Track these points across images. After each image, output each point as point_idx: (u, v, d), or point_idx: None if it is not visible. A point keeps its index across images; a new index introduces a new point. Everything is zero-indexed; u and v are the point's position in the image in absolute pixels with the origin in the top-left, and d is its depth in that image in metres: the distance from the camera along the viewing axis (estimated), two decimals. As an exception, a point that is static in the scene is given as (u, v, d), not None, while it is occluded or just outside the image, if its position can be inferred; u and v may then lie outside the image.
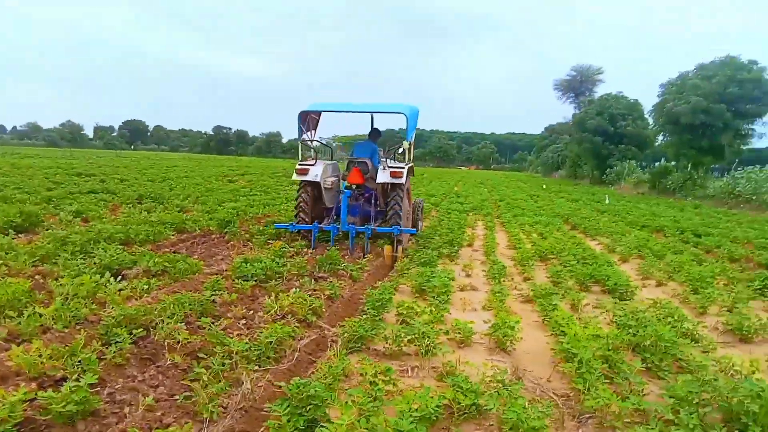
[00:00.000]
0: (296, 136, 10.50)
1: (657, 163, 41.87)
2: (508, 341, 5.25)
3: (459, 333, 5.37)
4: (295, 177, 10.18)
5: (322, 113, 10.88)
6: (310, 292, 6.49)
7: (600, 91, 65.87)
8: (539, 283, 7.65)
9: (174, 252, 8.98)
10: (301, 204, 10.31)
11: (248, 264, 7.14)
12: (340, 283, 7.17)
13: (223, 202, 16.47)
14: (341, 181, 11.00)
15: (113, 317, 4.76)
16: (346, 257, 9.07)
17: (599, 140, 48.32)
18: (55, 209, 11.98)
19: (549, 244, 10.75)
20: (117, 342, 4.35)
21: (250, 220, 12.22)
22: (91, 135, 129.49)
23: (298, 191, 10.43)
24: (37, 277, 6.39)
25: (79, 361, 3.89)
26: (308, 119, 10.59)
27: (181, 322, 5.03)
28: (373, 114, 11.33)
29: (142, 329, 4.68)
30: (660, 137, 38.93)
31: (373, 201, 10.59)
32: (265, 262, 7.27)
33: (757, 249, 11.78)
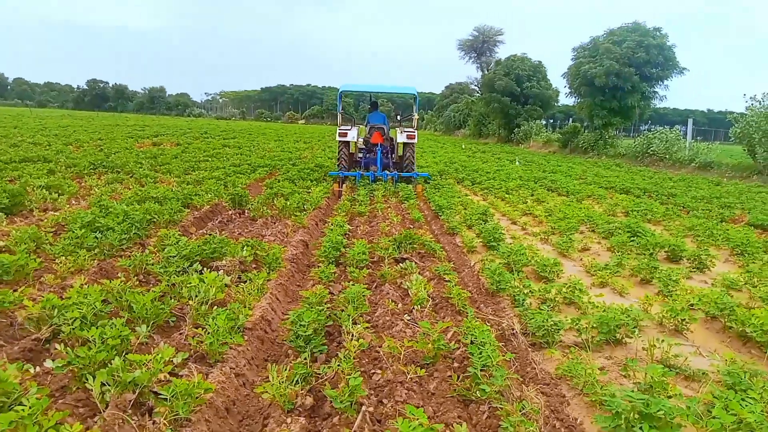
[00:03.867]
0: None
1: (566, 123, 44.09)
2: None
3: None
4: (338, 139, 14.65)
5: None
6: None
7: (501, 52, 67.93)
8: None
9: (210, 233, 8.00)
10: (342, 157, 14.65)
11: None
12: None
13: (189, 170, 15.02)
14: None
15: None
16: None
17: (507, 100, 49.93)
18: (14, 185, 10.16)
19: (565, 213, 10.76)
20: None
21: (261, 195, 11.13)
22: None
23: (339, 148, 14.82)
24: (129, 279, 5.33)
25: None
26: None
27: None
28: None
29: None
30: (570, 98, 40.88)
31: (389, 154, 15.20)
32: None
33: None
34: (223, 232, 7.84)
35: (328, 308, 4.79)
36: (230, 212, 9.76)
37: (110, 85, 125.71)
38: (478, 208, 10.64)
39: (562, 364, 4.17)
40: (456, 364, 4.09)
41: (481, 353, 3.78)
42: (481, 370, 3.66)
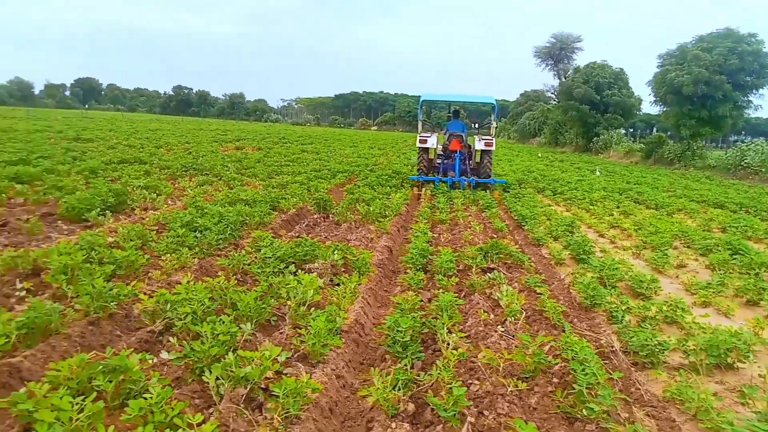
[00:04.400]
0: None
1: (648, 133, 42.22)
2: None
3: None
4: (418, 145, 15.53)
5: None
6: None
7: (579, 59, 66.08)
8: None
9: (298, 236, 8.21)
10: (422, 162, 15.70)
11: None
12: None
13: (272, 174, 15.51)
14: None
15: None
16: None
17: (586, 108, 48.41)
18: (116, 184, 10.85)
19: (656, 227, 10.29)
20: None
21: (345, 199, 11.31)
22: (42, 93, 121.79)
23: (419, 154, 15.85)
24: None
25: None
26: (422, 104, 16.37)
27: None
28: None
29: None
30: (654, 107, 39.17)
31: (467, 161, 15.70)
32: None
33: None
34: (309, 235, 8.03)
35: (421, 315, 4.80)
36: (315, 216, 9.99)
37: (194, 91, 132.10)
38: (563, 219, 10.36)
39: (669, 386, 3.98)
40: (556, 380, 3.99)
41: (584, 370, 3.67)
42: (585, 388, 3.55)
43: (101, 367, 3.19)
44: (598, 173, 24.19)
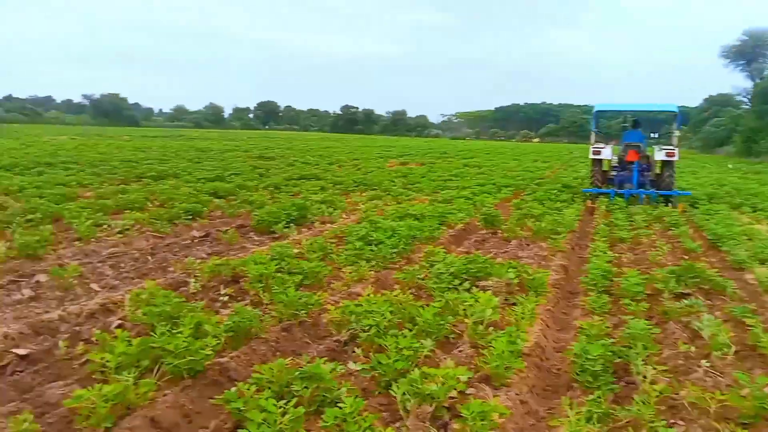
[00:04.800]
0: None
1: None
2: None
3: None
4: (591, 156, 14.91)
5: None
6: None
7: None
8: None
9: (468, 252, 8.13)
10: (596, 175, 14.93)
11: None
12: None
13: (437, 189, 15.70)
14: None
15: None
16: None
17: (789, 113, 42.27)
18: (297, 199, 11.68)
19: None
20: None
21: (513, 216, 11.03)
22: (230, 116, 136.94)
23: (593, 166, 15.07)
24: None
25: None
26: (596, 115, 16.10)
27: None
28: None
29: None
30: None
31: (645, 172, 14.81)
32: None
33: None
34: (479, 251, 7.91)
35: (610, 343, 4.45)
36: (483, 232, 9.86)
37: (360, 110, 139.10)
38: (769, 240, 9.05)
39: None
40: (780, 429, 3.43)
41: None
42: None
43: (298, 373, 3.39)
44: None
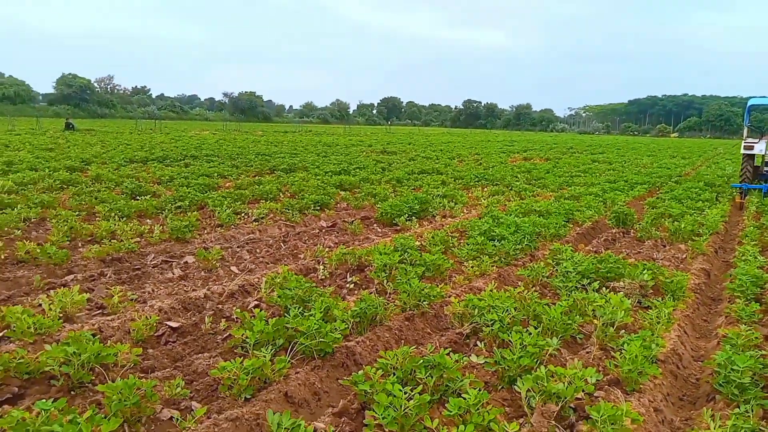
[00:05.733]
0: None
1: None
2: None
3: None
4: (743, 151, 14.43)
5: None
6: None
7: None
8: None
9: (596, 251, 7.76)
10: (746, 170, 14.32)
11: None
12: None
13: (563, 185, 15.12)
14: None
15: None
16: None
17: None
18: (418, 193, 11.80)
19: None
20: None
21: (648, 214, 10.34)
22: (355, 112, 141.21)
23: (743, 161, 14.55)
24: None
25: None
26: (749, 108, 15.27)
27: None
28: None
29: None
30: None
31: None
32: None
33: None
34: (609, 251, 7.51)
35: (760, 355, 4.05)
36: (613, 231, 9.36)
37: (482, 104, 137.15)
38: None
39: None
40: None
41: None
42: None
43: (422, 361, 3.45)
44: None
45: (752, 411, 3.30)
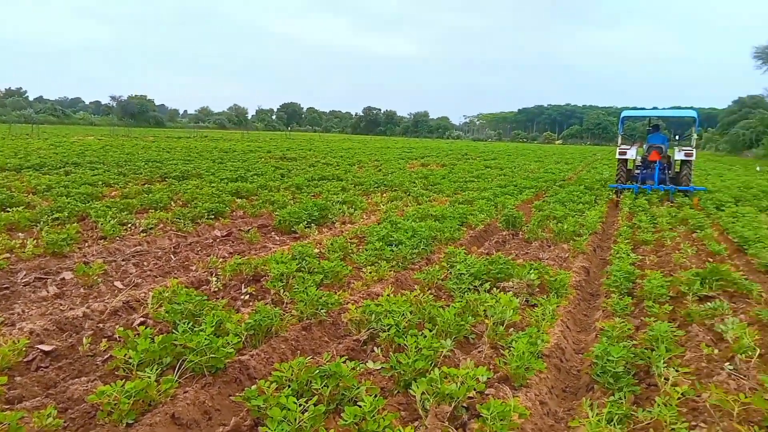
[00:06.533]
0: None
1: None
2: None
3: None
4: (618, 156, 16.82)
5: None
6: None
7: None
8: None
9: (488, 253, 8.09)
10: (621, 173, 16.78)
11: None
12: None
13: (458, 190, 15.65)
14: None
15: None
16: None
17: (821, 113, 41.15)
18: (318, 199, 11.73)
19: None
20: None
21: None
22: (254, 117, 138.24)
23: (618, 164, 16.95)
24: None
25: None
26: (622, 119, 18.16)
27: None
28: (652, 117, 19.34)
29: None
30: None
31: (666, 170, 16.58)
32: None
33: None
34: (499, 252, 7.86)
35: (631, 345, 4.40)
36: (504, 233, 9.81)
37: (382, 111, 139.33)
38: (799, 243, 8.83)
39: None
40: (807, 434, 3.35)
41: None
42: None
43: (318, 371, 3.41)
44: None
45: (625, 397, 3.57)
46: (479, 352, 4.40)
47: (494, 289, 5.65)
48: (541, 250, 8.54)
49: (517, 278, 6.05)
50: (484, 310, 4.87)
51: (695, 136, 17.28)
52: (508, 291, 5.66)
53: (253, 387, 3.26)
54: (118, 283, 5.85)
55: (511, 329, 4.66)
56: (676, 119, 22.93)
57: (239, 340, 4.01)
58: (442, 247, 8.05)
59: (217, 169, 18.26)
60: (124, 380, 3.21)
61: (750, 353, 4.42)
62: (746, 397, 3.44)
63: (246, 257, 6.54)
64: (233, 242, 8.14)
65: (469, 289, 5.66)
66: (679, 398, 3.49)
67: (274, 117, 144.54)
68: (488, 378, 3.63)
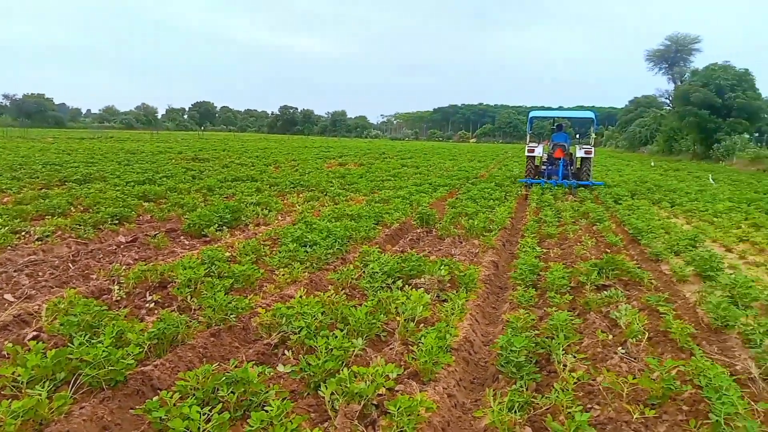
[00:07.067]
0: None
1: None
2: None
3: None
4: (526, 154, 18.64)
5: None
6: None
7: (697, 61, 61.81)
8: None
9: (403, 251, 8.22)
10: (529, 168, 18.68)
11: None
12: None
13: (375, 189, 15.77)
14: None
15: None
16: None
17: (705, 113, 44.94)
18: (231, 201, 11.47)
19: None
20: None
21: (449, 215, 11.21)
22: (164, 117, 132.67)
23: (527, 161, 18.81)
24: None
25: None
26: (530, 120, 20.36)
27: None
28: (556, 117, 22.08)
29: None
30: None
31: (568, 166, 18.56)
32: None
33: None
34: (413, 250, 8.01)
35: (534, 335, 4.62)
36: (418, 230, 9.99)
37: (299, 110, 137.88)
38: (684, 232, 9.63)
39: (825, 422, 3.51)
40: (686, 408, 3.66)
41: (721, 398, 3.34)
42: (723, 418, 3.22)
43: (224, 378, 3.33)
44: (711, 181, 22.64)
45: (526, 385, 3.74)
46: (391, 349, 4.46)
47: (407, 286, 5.74)
48: (453, 246, 8.77)
49: (429, 275, 6.18)
50: (396, 308, 4.94)
51: (593, 135, 19.15)
52: (420, 287, 5.77)
53: (155, 398, 3.13)
54: (8, 296, 5.43)
55: (422, 325, 4.76)
56: (578, 119, 25.11)
57: (141, 350, 3.84)
58: (357, 246, 8.09)
59: (123, 171, 17.38)
60: (11, 400, 3.00)
61: (640, 337, 4.77)
62: (634, 379, 3.71)
63: (152, 263, 6.27)
64: (139, 248, 7.78)
65: (382, 287, 5.72)
66: (575, 383, 3.71)
67: (185, 116, 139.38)
68: (398, 375, 3.70)
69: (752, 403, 3.54)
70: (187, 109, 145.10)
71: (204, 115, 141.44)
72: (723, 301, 5.47)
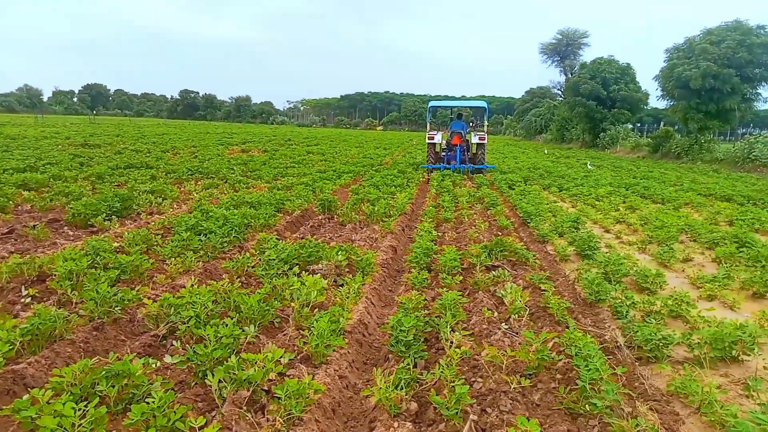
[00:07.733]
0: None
1: (655, 128, 41.96)
2: None
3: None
4: (427, 141, 20.10)
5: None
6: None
7: (585, 55, 65.85)
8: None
9: (303, 237, 8.23)
10: (430, 154, 20.19)
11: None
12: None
13: (278, 176, 15.56)
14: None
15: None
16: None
17: (593, 104, 48.14)
18: (122, 189, 10.90)
19: (662, 221, 10.16)
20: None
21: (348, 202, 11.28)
22: (51, 100, 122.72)
23: (428, 148, 20.28)
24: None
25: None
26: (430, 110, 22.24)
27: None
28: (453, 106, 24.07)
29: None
30: (662, 101, 38.89)
31: (465, 152, 20.19)
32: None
33: None
34: (314, 236, 8.02)
35: (425, 314, 4.80)
36: (320, 217, 10.00)
37: (200, 95, 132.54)
38: (569, 215, 10.32)
39: (673, 380, 3.95)
40: (559, 376, 3.98)
41: (588, 366, 3.66)
42: (589, 384, 3.53)
43: (104, 372, 3.21)
44: (589, 166, 24.69)
45: (414, 363, 3.89)
46: (284, 335, 4.47)
47: (303, 272, 5.76)
48: (353, 231, 8.87)
49: (326, 260, 6.23)
50: (291, 294, 4.95)
51: (486, 123, 21.22)
52: (317, 273, 5.81)
53: (26, 397, 2.96)
54: None
55: (317, 310, 4.81)
56: (473, 108, 27.32)
57: (12, 347, 3.60)
58: (256, 234, 7.98)
59: (1, 158, 15.98)
60: None
61: (522, 313, 5.10)
62: (512, 351, 3.97)
63: (29, 256, 5.85)
64: (16, 240, 7.22)
65: (278, 274, 5.70)
66: (460, 358, 3.92)
67: (75, 99, 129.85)
68: (290, 359, 3.73)
69: (614, 368, 3.90)
70: (76, 91, 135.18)
71: (96, 98, 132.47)
72: (597, 278, 5.94)
